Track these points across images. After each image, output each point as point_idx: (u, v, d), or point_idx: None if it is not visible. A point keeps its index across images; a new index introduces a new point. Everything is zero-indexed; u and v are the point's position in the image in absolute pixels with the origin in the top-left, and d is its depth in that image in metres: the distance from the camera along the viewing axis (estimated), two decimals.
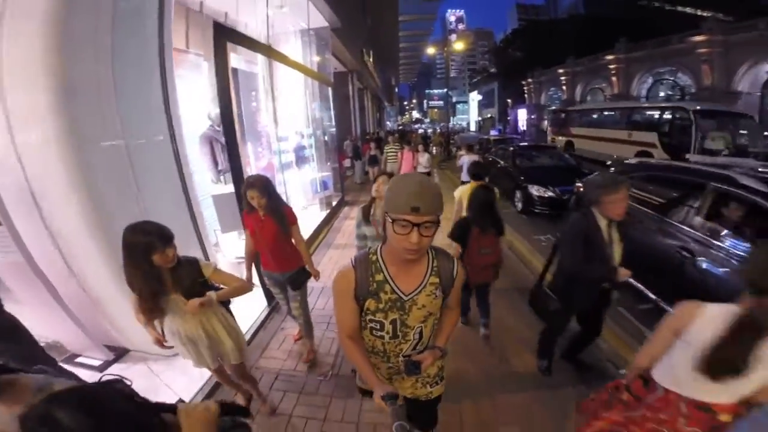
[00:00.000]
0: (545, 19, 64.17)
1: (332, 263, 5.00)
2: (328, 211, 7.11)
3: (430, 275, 1.32)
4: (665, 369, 1.49)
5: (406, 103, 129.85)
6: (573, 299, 2.37)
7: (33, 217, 2.21)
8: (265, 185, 2.50)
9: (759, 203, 2.63)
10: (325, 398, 2.59)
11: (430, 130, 37.68)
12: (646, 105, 16.15)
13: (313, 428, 2.34)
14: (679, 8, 38.15)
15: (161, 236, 1.73)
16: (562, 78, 34.59)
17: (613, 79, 27.85)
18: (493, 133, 40.92)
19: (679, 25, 25.21)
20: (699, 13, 33.27)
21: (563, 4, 79.14)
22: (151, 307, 1.84)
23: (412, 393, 1.53)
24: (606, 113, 16.50)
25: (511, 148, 9.54)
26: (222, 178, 3.93)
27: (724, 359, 1.28)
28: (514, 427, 2.30)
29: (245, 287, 2.08)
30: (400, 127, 56.63)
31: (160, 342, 1.97)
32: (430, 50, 44.33)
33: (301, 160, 6.36)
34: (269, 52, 4.55)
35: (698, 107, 11.72)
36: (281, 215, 2.59)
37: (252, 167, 4.66)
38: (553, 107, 27.63)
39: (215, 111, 3.73)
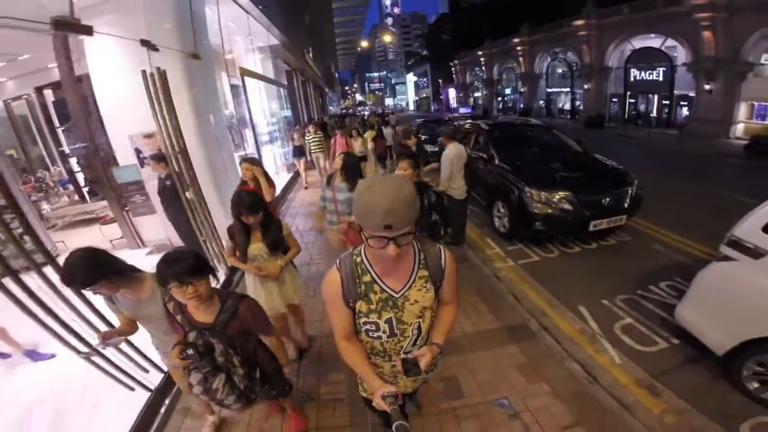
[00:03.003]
0: (468, 3, 68.40)
1: (300, 198, 8.34)
2: (291, 174, 10.22)
3: (419, 269, 1.29)
4: None
5: (347, 88, 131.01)
6: None
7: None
8: (253, 160, 3.86)
9: (480, 134, 6.24)
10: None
11: (367, 113, 40.50)
12: None
13: None
14: None
15: (247, 206, 2.33)
16: (482, 59, 39.07)
17: (521, 59, 32.44)
18: (464, 110, 39.59)
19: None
20: None
21: None
22: (240, 252, 2.49)
23: (413, 387, 1.60)
24: None
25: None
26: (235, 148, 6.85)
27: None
28: None
29: (299, 252, 2.73)
30: (343, 111, 58.84)
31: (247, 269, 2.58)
32: (364, 43, 47.15)
33: (272, 140, 9.35)
34: (256, 75, 7.47)
35: None
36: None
37: (249, 145, 7.64)
38: None
39: (229, 111, 6.61)
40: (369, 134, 9.09)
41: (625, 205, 4.80)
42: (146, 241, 5.42)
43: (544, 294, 4.06)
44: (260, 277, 2.59)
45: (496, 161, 5.59)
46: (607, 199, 4.72)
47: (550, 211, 4.70)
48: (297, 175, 9.86)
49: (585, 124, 23.78)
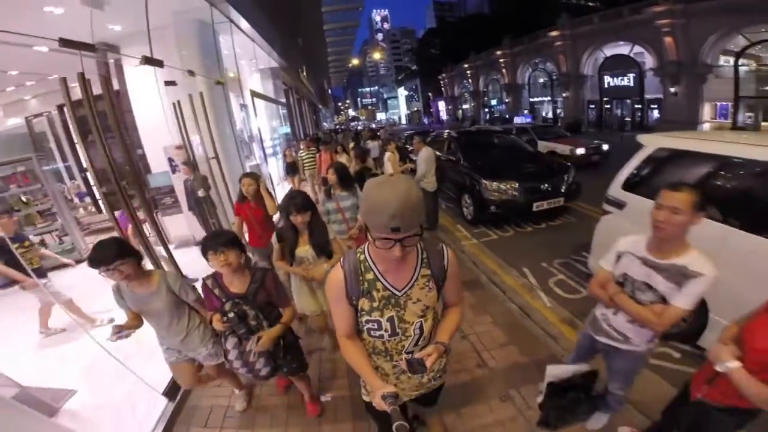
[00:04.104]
0: (454, 18, 71.06)
1: None
2: (290, 187, 11.28)
3: (421, 267, 1.32)
4: None
5: (340, 104, 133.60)
6: None
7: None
8: (255, 175, 3.58)
9: (450, 140, 7.42)
10: None
11: (360, 127, 41.95)
12: None
13: None
14: None
15: (297, 204, 2.40)
16: (468, 72, 40.79)
17: (504, 70, 34.05)
18: (521, 120, 27.90)
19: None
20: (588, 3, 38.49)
21: (472, 1, 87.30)
22: (288, 253, 2.55)
23: (417, 390, 1.55)
24: None
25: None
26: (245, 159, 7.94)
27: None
28: None
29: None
30: (337, 126, 60.38)
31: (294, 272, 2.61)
32: (355, 61, 48.87)
33: (274, 154, 10.50)
34: (261, 96, 8.65)
35: None
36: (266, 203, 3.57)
37: (256, 157, 8.76)
38: None
39: (238, 127, 7.73)
40: (351, 146, 10.14)
41: (562, 190, 5.98)
42: (172, 238, 6.42)
43: (496, 260, 5.12)
44: (306, 280, 2.65)
45: (462, 162, 6.81)
46: (546, 186, 5.91)
47: (502, 197, 5.91)
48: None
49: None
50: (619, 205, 3.48)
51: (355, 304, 1.33)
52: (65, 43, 2.46)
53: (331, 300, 1.36)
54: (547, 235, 5.87)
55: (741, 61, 18.10)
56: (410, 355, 1.34)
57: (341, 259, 1.35)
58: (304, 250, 2.57)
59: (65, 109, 2.57)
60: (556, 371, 2.18)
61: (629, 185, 3.39)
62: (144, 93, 5.41)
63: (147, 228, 6.32)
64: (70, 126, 2.66)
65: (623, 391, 2.14)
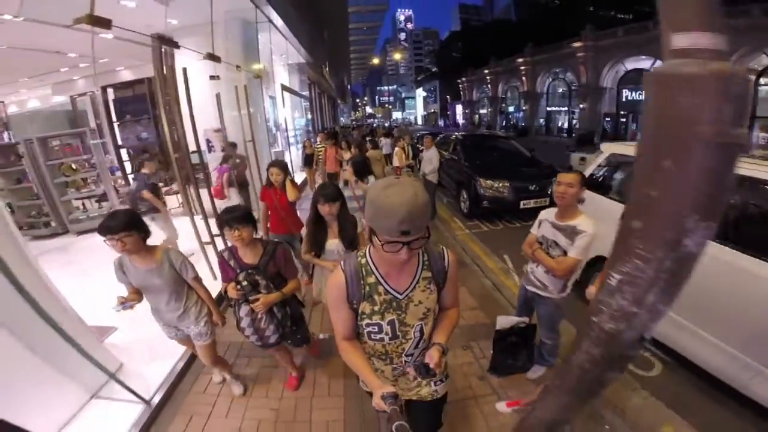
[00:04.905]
0: (479, 22, 71.31)
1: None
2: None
3: (422, 270, 1.32)
4: None
5: (358, 100, 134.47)
6: None
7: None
8: (284, 166, 3.65)
9: (456, 142, 8.19)
10: None
11: (375, 125, 42.65)
12: None
13: None
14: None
15: (326, 194, 2.43)
16: (488, 77, 41.05)
17: (524, 78, 34.30)
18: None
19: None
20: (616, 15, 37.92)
21: (499, 5, 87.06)
22: (314, 244, 2.57)
23: (417, 394, 1.53)
24: None
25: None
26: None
27: None
28: None
29: None
30: (353, 122, 61.23)
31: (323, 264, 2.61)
32: (375, 60, 49.58)
33: (297, 143, 11.42)
34: (290, 90, 9.54)
35: None
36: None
37: (280, 144, 9.63)
38: None
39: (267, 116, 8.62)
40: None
41: (549, 191, 6.62)
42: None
43: (483, 247, 5.84)
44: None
45: (463, 161, 7.62)
46: (534, 186, 6.64)
47: (494, 194, 6.66)
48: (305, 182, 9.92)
49: (577, 142, 25.29)
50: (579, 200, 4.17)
51: (355, 308, 1.33)
52: (159, 38, 3.17)
53: (331, 303, 1.36)
54: None
55: (762, 80, 17.96)
56: (411, 357, 1.40)
57: (342, 262, 1.36)
58: (334, 243, 2.56)
59: (157, 87, 3.17)
60: (503, 321, 2.62)
61: (588, 184, 4.06)
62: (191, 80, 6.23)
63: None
64: (159, 101, 3.23)
65: (551, 340, 2.65)
